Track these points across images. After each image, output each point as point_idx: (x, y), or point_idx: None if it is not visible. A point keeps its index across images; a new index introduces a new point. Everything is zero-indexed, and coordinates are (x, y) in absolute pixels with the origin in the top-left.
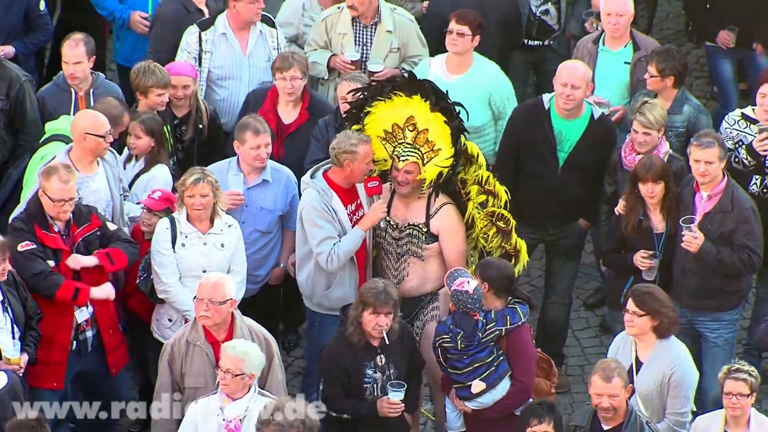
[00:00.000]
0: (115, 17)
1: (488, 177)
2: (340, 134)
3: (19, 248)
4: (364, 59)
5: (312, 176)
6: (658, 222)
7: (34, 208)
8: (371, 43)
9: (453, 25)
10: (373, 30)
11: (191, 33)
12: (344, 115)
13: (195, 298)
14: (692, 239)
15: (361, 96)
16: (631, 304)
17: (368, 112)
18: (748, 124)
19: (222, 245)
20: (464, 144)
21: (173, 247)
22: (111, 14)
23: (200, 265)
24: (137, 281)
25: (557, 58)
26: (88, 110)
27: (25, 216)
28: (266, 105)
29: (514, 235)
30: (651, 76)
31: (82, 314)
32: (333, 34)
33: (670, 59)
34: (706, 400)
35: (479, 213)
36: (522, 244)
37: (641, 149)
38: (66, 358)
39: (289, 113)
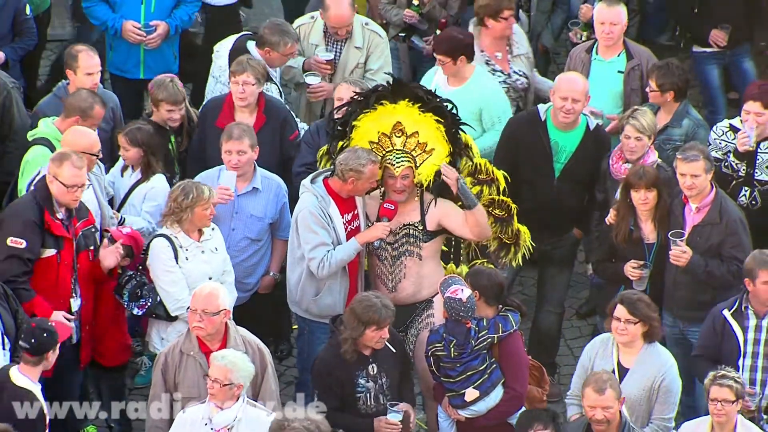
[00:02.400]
0: (107, 26)
1: (484, 164)
2: (349, 150)
3: (9, 242)
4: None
5: (312, 181)
6: (649, 232)
7: (43, 194)
8: (340, 56)
9: (434, 54)
10: (343, 44)
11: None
12: (331, 132)
13: (188, 308)
14: (680, 254)
15: (347, 111)
16: (622, 312)
17: (354, 127)
18: (736, 135)
19: (216, 249)
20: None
21: (177, 263)
22: (103, 23)
23: (206, 273)
24: (136, 310)
25: None
26: (82, 128)
27: (33, 200)
28: (224, 113)
29: (515, 222)
30: (651, 90)
31: (75, 303)
32: (306, 44)
33: (669, 75)
34: (698, 408)
35: None
36: (524, 230)
37: (631, 156)
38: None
39: (246, 119)
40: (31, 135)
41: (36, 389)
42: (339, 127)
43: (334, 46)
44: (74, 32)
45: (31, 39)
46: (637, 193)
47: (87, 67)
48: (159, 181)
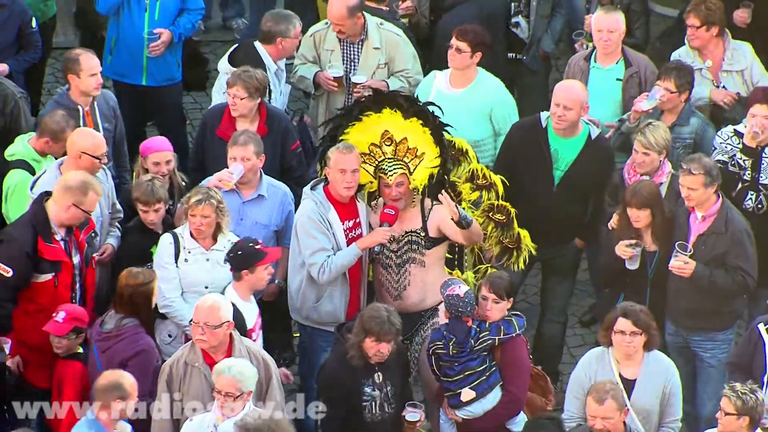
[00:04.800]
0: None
1: (481, 169)
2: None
3: None
4: (352, 72)
5: (312, 188)
6: (650, 242)
7: (39, 218)
8: (358, 59)
9: (453, 40)
10: (360, 47)
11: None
12: (322, 147)
13: (191, 321)
14: (683, 265)
15: (333, 125)
16: (627, 324)
17: (341, 141)
18: (740, 140)
19: (225, 262)
20: (453, 141)
21: (176, 263)
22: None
23: (203, 281)
24: None
25: (531, 75)
26: (87, 129)
27: (28, 224)
28: (224, 123)
29: (515, 225)
30: (670, 92)
31: None
32: (321, 50)
33: (685, 74)
34: (699, 419)
35: (473, 212)
36: (524, 233)
37: (641, 170)
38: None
39: (247, 128)
40: (8, 155)
41: (240, 303)
42: (329, 143)
43: (351, 49)
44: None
45: (36, 52)
46: (630, 210)
47: (90, 68)
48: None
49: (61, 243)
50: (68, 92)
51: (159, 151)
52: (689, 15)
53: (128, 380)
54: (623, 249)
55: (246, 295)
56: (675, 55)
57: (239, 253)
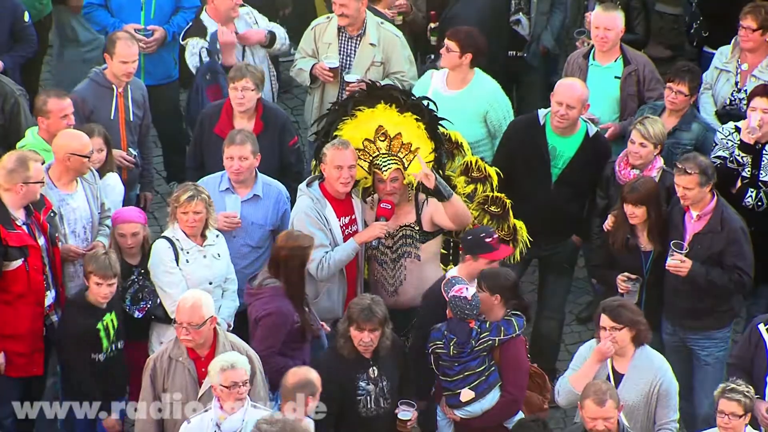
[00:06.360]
0: (108, 31)
1: (475, 162)
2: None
3: None
4: (346, 70)
5: (308, 185)
6: (645, 242)
7: None
8: (354, 54)
9: (445, 39)
10: (357, 42)
11: (198, 45)
12: (315, 144)
13: (174, 322)
14: (679, 264)
15: (325, 122)
16: (606, 320)
17: (336, 137)
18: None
19: (219, 255)
20: (447, 134)
21: (178, 266)
22: (104, 28)
23: (206, 278)
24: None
25: (532, 71)
26: (71, 130)
27: None
28: (222, 120)
29: (511, 217)
30: (684, 95)
31: (50, 296)
32: (320, 43)
33: (697, 76)
34: (697, 416)
35: (468, 205)
36: (520, 225)
37: (635, 161)
38: (43, 344)
39: (245, 125)
40: (20, 147)
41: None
42: (322, 139)
43: (348, 44)
44: None
45: (30, 46)
46: (626, 206)
47: (123, 55)
48: (113, 179)
49: (24, 227)
50: (104, 71)
51: (126, 223)
52: (746, 16)
53: (314, 375)
54: (620, 283)
55: (466, 278)
56: (717, 54)
57: (469, 237)
